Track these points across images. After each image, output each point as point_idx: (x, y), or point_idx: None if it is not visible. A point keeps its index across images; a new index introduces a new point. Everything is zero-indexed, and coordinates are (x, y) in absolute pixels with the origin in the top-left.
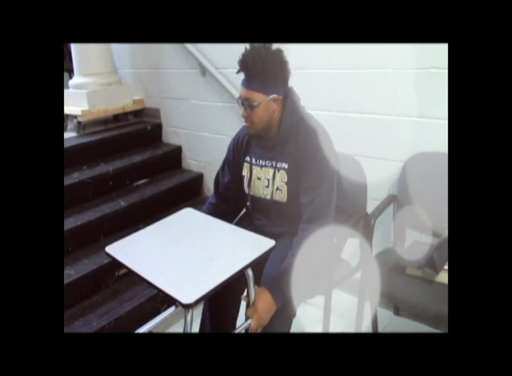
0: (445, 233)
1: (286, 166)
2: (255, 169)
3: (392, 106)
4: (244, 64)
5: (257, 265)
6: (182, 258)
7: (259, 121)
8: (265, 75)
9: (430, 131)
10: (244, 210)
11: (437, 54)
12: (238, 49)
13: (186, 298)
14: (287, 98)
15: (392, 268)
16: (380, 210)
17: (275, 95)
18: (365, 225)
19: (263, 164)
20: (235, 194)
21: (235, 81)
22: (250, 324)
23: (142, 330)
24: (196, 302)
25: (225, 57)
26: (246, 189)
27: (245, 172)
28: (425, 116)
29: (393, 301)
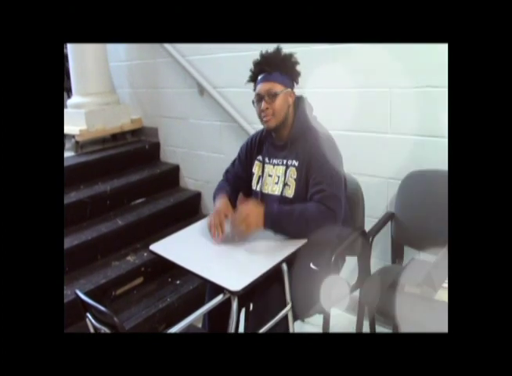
0: (443, 251)
1: (296, 164)
2: (267, 167)
3: (389, 125)
4: (265, 60)
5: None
6: (223, 253)
7: (279, 112)
8: (283, 69)
9: (426, 149)
10: None
11: (432, 73)
12: (235, 69)
13: (234, 286)
14: (300, 100)
15: (390, 286)
16: (377, 228)
17: (290, 90)
18: (363, 243)
19: (275, 162)
20: (238, 188)
21: (233, 100)
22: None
23: (192, 317)
24: (243, 290)
25: (223, 76)
26: (255, 186)
27: (255, 170)
28: (421, 134)
29: (391, 320)
